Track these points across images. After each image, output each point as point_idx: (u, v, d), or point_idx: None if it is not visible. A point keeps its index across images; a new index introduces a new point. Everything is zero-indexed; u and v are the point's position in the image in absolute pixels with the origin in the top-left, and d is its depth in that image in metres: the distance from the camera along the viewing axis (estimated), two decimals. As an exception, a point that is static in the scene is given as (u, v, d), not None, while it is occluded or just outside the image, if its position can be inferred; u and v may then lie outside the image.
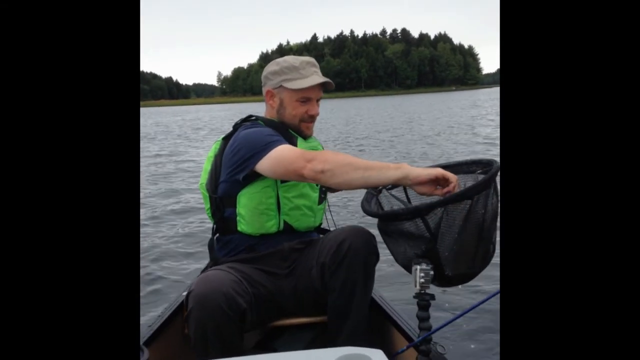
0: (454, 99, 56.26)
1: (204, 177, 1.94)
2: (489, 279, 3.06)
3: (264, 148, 1.73)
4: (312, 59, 1.96)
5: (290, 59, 1.93)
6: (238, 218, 1.84)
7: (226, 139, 1.89)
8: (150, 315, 2.98)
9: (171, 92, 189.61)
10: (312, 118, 1.93)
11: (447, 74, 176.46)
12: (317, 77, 1.90)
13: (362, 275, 1.70)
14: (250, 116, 1.97)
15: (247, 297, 1.65)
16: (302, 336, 1.83)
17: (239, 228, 1.84)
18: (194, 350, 1.61)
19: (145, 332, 1.83)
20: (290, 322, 1.87)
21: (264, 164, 1.73)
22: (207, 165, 1.93)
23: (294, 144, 1.85)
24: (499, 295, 0.90)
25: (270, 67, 1.96)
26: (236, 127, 1.90)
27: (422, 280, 1.44)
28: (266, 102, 1.96)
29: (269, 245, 1.84)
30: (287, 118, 1.92)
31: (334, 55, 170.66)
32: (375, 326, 1.95)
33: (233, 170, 1.80)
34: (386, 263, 3.23)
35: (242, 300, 1.61)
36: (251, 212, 1.81)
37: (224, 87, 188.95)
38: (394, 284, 3.35)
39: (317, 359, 1.26)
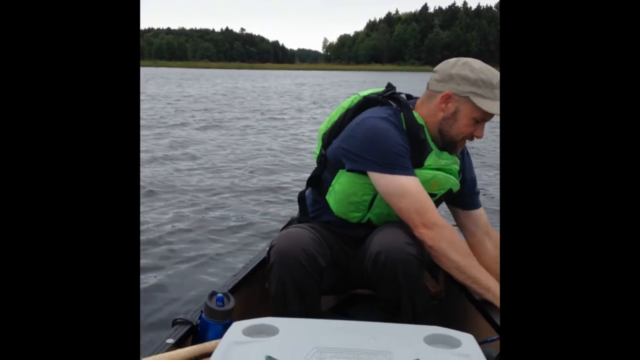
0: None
1: (326, 124, 1.87)
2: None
3: (389, 167, 1.65)
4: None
5: (488, 72, 1.69)
6: (330, 189, 1.79)
7: (365, 102, 1.79)
8: (234, 267, 3.21)
9: (276, 55, 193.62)
10: (472, 139, 1.77)
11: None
12: None
13: (404, 286, 1.62)
14: (398, 94, 1.80)
15: (326, 258, 1.67)
16: (374, 309, 1.81)
17: (327, 196, 1.81)
18: (274, 304, 1.66)
19: (229, 281, 1.93)
20: (364, 292, 1.91)
21: (379, 181, 1.67)
22: (335, 114, 1.85)
23: (424, 155, 1.71)
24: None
25: (463, 70, 1.69)
26: (377, 98, 1.77)
27: None
28: (432, 100, 1.73)
29: (343, 227, 1.81)
30: (450, 130, 1.73)
31: (443, 27, 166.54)
32: (465, 314, 1.95)
33: (344, 150, 1.73)
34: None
35: (321, 259, 1.63)
36: (342, 197, 1.77)
37: (329, 53, 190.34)
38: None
39: (405, 334, 1.28)
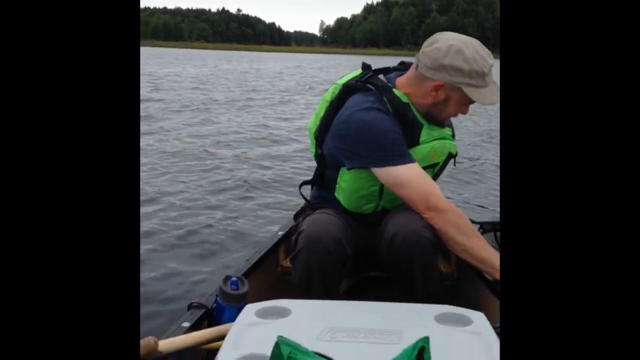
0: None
1: (314, 120, 1.87)
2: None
3: (385, 159, 1.66)
4: (492, 59, 1.71)
5: (480, 61, 1.66)
6: (337, 187, 1.80)
7: (345, 91, 1.76)
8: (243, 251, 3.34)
9: (273, 37, 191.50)
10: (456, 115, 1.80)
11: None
12: (497, 91, 1.70)
13: (419, 269, 1.65)
14: (376, 76, 1.77)
15: (352, 245, 1.67)
16: (390, 290, 1.81)
17: (336, 194, 1.81)
18: (296, 289, 1.66)
19: (243, 266, 1.96)
20: (377, 274, 1.92)
21: (379, 174, 1.69)
22: (320, 109, 1.85)
23: (417, 132, 1.73)
24: None
25: (456, 60, 1.65)
26: (356, 85, 1.75)
27: None
28: (422, 84, 1.71)
29: (359, 215, 1.83)
30: (440, 114, 1.75)
31: (440, 12, 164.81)
32: (477, 294, 1.97)
33: (340, 151, 1.73)
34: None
35: (347, 246, 1.64)
36: (351, 192, 1.78)
37: (325, 36, 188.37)
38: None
39: (416, 313, 1.28)
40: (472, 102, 1.73)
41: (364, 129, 1.66)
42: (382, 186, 1.74)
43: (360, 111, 1.68)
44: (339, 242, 1.61)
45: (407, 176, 1.66)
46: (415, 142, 1.72)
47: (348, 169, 1.73)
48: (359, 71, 1.83)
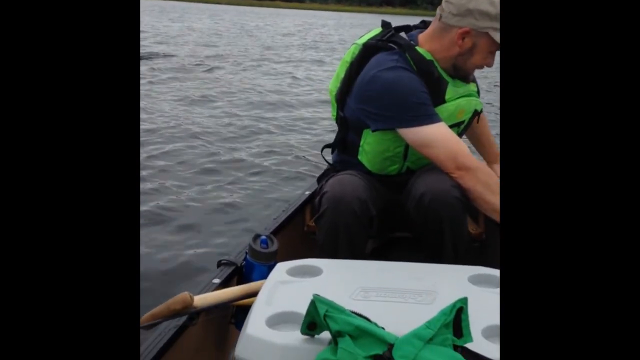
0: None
1: (334, 82, 1.84)
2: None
3: (412, 120, 1.63)
4: None
5: None
6: (360, 149, 1.78)
7: (366, 51, 1.72)
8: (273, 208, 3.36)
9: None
10: (482, 67, 1.76)
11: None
12: None
13: (447, 228, 1.63)
14: (397, 34, 1.72)
15: (377, 205, 1.65)
16: (416, 250, 1.80)
17: (359, 157, 1.79)
18: (322, 250, 1.64)
19: (271, 224, 1.98)
20: (404, 235, 1.91)
21: (406, 135, 1.66)
22: (340, 71, 1.81)
23: (443, 90, 1.69)
24: None
25: (483, 4, 1.61)
26: (377, 44, 1.71)
27: None
28: (445, 34, 1.67)
29: (384, 176, 1.81)
30: (466, 64, 1.71)
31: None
32: None
33: (364, 112, 1.70)
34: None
35: (372, 206, 1.62)
36: (375, 154, 1.76)
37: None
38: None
39: (449, 274, 1.28)
40: (498, 48, 1.67)
41: (389, 89, 1.63)
42: (407, 147, 1.72)
43: (385, 71, 1.65)
44: (364, 202, 1.60)
45: (435, 136, 1.64)
46: (441, 100, 1.69)
47: (373, 131, 1.70)
48: (378, 29, 1.78)
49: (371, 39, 1.75)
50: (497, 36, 1.63)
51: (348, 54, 1.80)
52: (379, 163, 1.77)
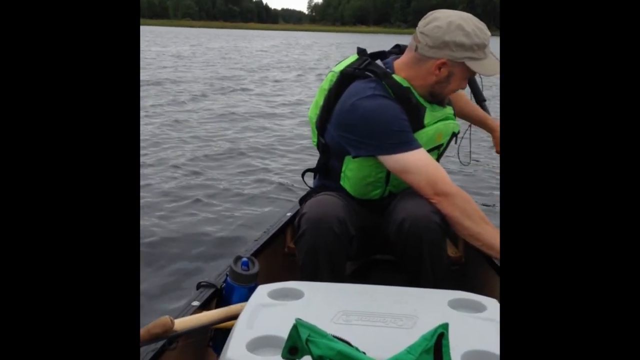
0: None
1: (314, 110, 1.86)
2: None
3: (392, 147, 1.66)
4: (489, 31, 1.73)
5: (481, 34, 1.68)
6: (342, 175, 1.79)
7: (344, 79, 1.75)
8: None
9: (260, 15, 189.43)
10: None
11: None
12: (496, 62, 1.72)
13: (427, 253, 1.65)
14: (373, 62, 1.76)
15: (356, 225, 1.66)
16: (397, 273, 1.80)
17: (341, 182, 1.80)
18: (302, 272, 1.64)
19: (252, 246, 1.98)
20: (384, 258, 1.92)
21: (386, 162, 1.69)
22: (319, 98, 1.83)
23: (421, 116, 1.72)
24: None
25: (458, 36, 1.65)
26: (355, 72, 1.73)
27: None
28: (422, 64, 1.70)
29: (366, 200, 1.82)
30: (443, 91, 1.76)
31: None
32: (486, 279, 1.98)
33: (345, 139, 1.72)
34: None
35: (352, 227, 1.63)
36: (357, 180, 1.77)
37: (314, 14, 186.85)
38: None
39: (429, 298, 1.28)
40: (473, 74, 1.75)
41: (369, 117, 1.66)
42: (388, 172, 1.74)
43: (364, 99, 1.67)
44: (343, 222, 1.61)
45: (415, 163, 1.66)
46: (420, 125, 1.72)
47: (353, 157, 1.72)
48: (354, 57, 1.81)
49: (348, 66, 1.78)
50: (472, 65, 1.69)
51: (326, 81, 1.82)
52: (362, 188, 1.79)
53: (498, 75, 1.50)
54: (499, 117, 1.76)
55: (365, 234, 1.74)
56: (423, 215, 1.63)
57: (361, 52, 1.82)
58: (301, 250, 1.64)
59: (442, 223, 1.65)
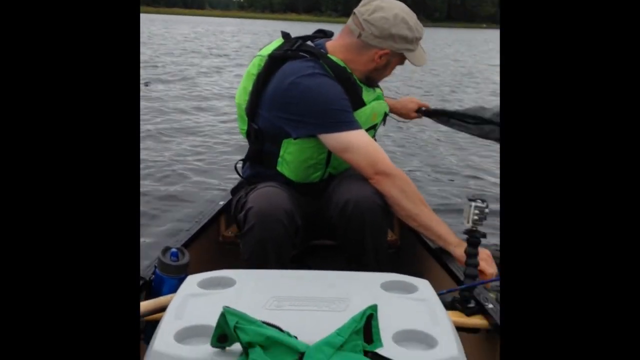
0: (483, 37, 54.19)
1: (242, 96, 1.82)
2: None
3: (335, 125, 1.67)
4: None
5: (419, 28, 1.78)
6: (280, 160, 1.77)
7: (274, 62, 1.73)
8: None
9: (185, 1, 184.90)
10: None
11: (479, 9, 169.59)
12: (424, 53, 1.87)
13: (369, 235, 1.67)
14: (305, 44, 1.76)
15: (301, 215, 1.66)
16: (335, 258, 1.81)
17: (278, 168, 1.79)
18: (248, 265, 1.62)
19: (182, 237, 1.92)
20: (324, 243, 1.93)
21: (329, 140, 1.69)
22: (246, 83, 1.80)
23: (360, 95, 1.76)
24: None
25: (403, 30, 1.74)
26: (286, 54, 1.72)
27: (476, 217, 1.46)
28: (364, 51, 1.76)
29: (305, 185, 1.83)
30: (378, 76, 1.84)
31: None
32: (421, 262, 2.00)
33: (284, 120, 1.70)
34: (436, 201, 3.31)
35: (298, 217, 1.63)
36: (298, 164, 1.76)
37: (242, 0, 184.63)
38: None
39: (362, 281, 1.28)
40: (402, 63, 1.85)
41: (311, 95, 1.66)
42: (329, 153, 1.76)
43: (304, 77, 1.67)
44: (290, 214, 1.60)
45: (356, 142, 1.69)
46: (361, 103, 1.77)
47: (294, 139, 1.72)
48: (279, 40, 1.82)
49: (276, 49, 1.76)
50: (409, 56, 1.79)
51: (253, 66, 1.80)
52: (302, 172, 1.79)
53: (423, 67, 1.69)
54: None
55: (306, 220, 1.75)
56: (365, 197, 1.65)
57: (285, 36, 1.83)
58: (248, 244, 1.62)
59: (383, 204, 1.68)
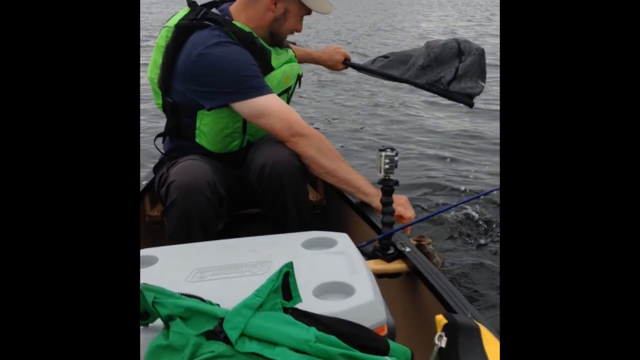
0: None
1: (153, 70, 1.78)
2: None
3: (245, 92, 1.64)
4: None
5: None
6: (197, 132, 1.76)
7: (181, 32, 1.68)
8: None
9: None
10: (293, 33, 1.85)
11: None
12: (328, 1, 1.80)
13: (290, 196, 1.69)
14: (209, 11, 1.71)
15: (224, 185, 1.65)
16: (264, 225, 1.81)
17: (197, 140, 1.77)
18: (172, 240, 1.59)
19: None
20: (251, 212, 1.95)
21: (242, 108, 1.67)
22: (156, 56, 1.76)
23: (268, 59, 1.74)
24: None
25: None
26: (192, 23, 1.68)
27: (387, 166, 1.51)
28: (257, 3, 1.72)
29: (225, 155, 1.82)
30: (281, 29, 1.77)
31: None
32: (346, 219, 2.03)
33: (196, 93, 1.68)
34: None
35: (221, 188, 1.62)
36: (215, 134, 1.75)
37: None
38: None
39: (285, 243, 1.31)
40: (309, 12, 1.79)
41: (219, 64, 1.63)
42: (245, 121, 1.75)
43: (211, 47, 1.64)
44: (213, 185, 1.59)
45: (269, 106, 1.67)
46: (269, 68, 1.75)
47: (208, 110, 1.70)
48: (185, 10, 1.77)
49: (182, 19, 1.72)
50: (307, 1, 1.73)
51: (161, 38, 1.75)
52: (220, 142, 1.78)
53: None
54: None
55: (230, 191, 1.74)
56: (282, 159, 1.66)
57: (192, 4, 1.78)
58: (172, 218, 1.60)
59: (300, 164, 1.70)
